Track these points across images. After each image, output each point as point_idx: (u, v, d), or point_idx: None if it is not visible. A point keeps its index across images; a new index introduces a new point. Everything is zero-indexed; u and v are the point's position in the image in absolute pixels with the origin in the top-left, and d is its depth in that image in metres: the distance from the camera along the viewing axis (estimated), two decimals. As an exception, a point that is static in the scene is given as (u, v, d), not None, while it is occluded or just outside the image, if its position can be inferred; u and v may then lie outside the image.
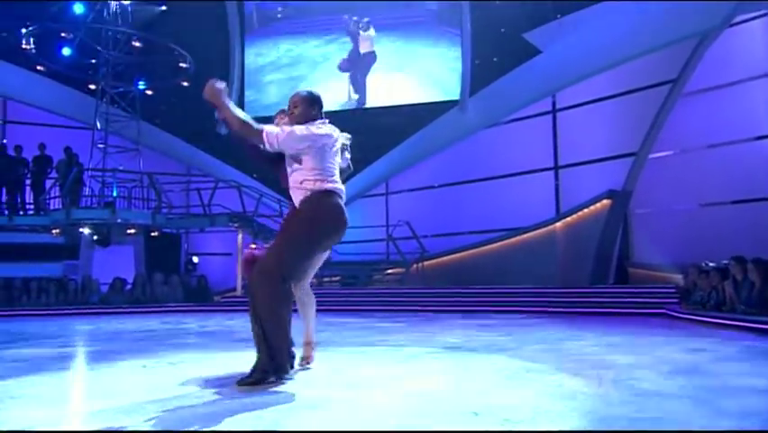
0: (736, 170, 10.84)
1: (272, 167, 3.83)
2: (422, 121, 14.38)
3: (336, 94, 15.97)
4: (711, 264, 8.81)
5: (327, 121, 3.49)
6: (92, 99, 14.41)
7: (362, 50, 15.70)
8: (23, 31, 13.67)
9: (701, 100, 11.37)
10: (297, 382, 3.25)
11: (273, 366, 3.13)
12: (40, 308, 10.72)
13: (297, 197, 3.39)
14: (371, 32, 15.66)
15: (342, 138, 3.66)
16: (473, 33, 14.36)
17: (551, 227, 12.31)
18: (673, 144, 11.79)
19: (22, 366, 4.21)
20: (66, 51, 15.17)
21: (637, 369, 3.71)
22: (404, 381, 3.44)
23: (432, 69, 15.07)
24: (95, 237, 12.39)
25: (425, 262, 13.46)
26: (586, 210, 11.78)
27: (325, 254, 3.81)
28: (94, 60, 14.71)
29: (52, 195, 13.16)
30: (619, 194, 11.61)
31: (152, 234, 13.46)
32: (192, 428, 2.31)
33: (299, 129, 3.31)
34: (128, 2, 15.30)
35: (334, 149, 3.43)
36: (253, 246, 3.78)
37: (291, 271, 3.22)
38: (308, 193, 3.30)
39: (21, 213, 13.29)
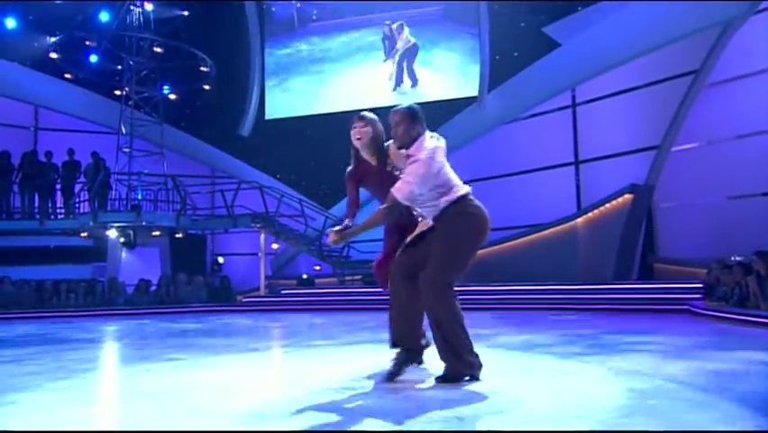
0: (765, 161, 10.53)
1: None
2: (441, 118, 14.32)
3: (357, 94, 16.05)
4: (738, 259, 8.60)
5: (434, 134, 3.41)
6: (118, 105, 14.77)
7: (402, 46, 15.83)
8: (50, 40, 14.10)
9: (727, 90, 11.08)
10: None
11: (462, 365, 3.20)
12: (69, 309, 11.03)
13: (431, 213, 3.35)
14: (406, 30, 15.81)
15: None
16: (491, 29, 14.26)
17: (572, 223, 12.14)
18: (699, 136, 11.52)
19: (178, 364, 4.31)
20: (93, 59, 15.65)
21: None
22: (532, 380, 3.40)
23: (450, 65, 15.02)
24: (121, 240, 12.71)
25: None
26: (608, 205, 11.59)
27: None
28: (119, 67, 15.09)
29: (81, 199, 13.55)
30: (642, 188, 11.39)
31: (177, 235, 13.73)
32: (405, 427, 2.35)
33: (425, 163, 3.19)
34: (150, 8, 15.66)
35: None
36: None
37: (454, 278, 3.31)
38: (445, 205, 3.29)
39: (51, 217, 13.71)
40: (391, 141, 3.54)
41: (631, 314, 8.89)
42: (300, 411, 2.62)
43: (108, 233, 12.87)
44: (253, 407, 2.75)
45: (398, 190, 3.20)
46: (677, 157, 11.65)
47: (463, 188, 3.36)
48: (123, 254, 13.37)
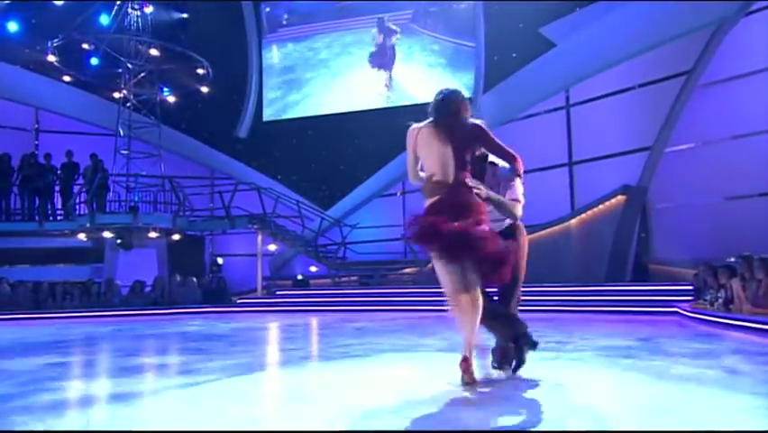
0: (762, 162, 10.47)
1: None
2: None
3: (353, 94, 16.13)
4: (732, 260, 8.56)
5: None
6: (117, 107, 14.89)
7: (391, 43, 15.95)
8: (48, 44, 14.26)
9: (723, 90, 11.02)
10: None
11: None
12: (65, 310, 11.15)
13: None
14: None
15: None
16: (487, 30, 14.27)
17: (566, 224, 12.13)
18: (695, 137, 11.47)
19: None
20: (94, 61, 15.82)
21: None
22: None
23: (444, 65, 15.05)
24: (118, 241, 12.83)
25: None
26: (601, 206, 11.58)
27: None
28: (120, 70, 15.21)
29: (79, 200, 13.69)
30: (634, 189, 11.37)
31: (174, 236, 13.84)
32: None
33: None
34: (150, 11, 15.80)
35: None
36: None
37: None
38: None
39: (50, 218, 13.86)
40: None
41: (619, 315, 8.91)
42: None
43: (105, 234, 12.99)
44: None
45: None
46: (672, 158, 11.60)
47: None
48: (121, 256, 13.49)
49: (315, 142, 16.22)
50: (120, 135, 14.37)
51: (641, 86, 11.45)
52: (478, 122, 3.58)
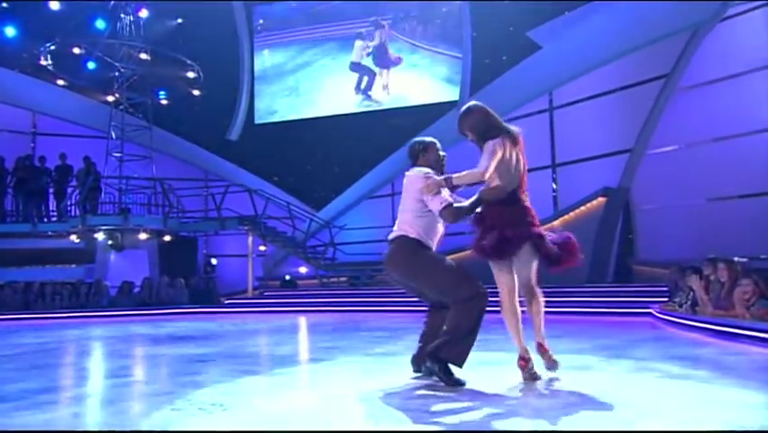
0: (743, 164, 10.57)
1: None
2: (421, 123, 14.50)
3: (343, 96, 16.30)
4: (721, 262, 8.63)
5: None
6: (115, 110, 15.12)
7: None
8: (42, 48, 14.52)
9: (705, 93, 11.11)
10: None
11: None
12: (53, 311, 11.36)
13: None
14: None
15: None
16: (474, 32, 14.40)
17: (548, 226, 11.98)
18: (678, 139, 11.56)
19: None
20: (90, 65, 16.10)
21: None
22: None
23: (430, 69, 15.20)
24: (109, 242, 13.05)
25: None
26: (582, 208, 11.69)
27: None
28: (117, 74, 15.44)
29: (72, 202, 13.92)
30: (615, 191, 11.48)
31: (165, 238, 14.04)
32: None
33: None
34: (145, 15, 16.05)
35: None
36: None
37: None
38: None
39: (44, 220, 14.11)
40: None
41: (594, 317, 9.01)
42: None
43: (96, 235, 13.22)
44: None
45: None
46: (657, 159, 11.70)
47: None
48: (112, 257, 13.72)
49: (307, 144, 16.39)
50: (112, 138, 14.60)
51: (622, 88, 11.56)
52: None
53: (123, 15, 15.44)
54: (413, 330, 6.86)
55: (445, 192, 3.69)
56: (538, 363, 3.61)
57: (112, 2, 15.19)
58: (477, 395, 3.13)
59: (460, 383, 3.35)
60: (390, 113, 15.51)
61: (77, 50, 14.84)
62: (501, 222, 3.54)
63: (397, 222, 3.72)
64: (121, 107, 14.99)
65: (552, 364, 3.67)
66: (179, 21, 17.21)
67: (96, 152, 14.70)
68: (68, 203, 13.94)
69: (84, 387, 3.87)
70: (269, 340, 7.04)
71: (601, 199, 11.43)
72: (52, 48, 15.35)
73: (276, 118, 17.30)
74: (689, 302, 7.64)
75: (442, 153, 4.01)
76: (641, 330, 7.14)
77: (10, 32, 16.72)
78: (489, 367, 4.02)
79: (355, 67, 16.42)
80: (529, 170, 12.89)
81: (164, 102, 16.51)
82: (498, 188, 3.62)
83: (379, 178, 15.52)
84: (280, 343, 6.61)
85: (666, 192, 11.70)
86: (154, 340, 6.96)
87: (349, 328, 8.08)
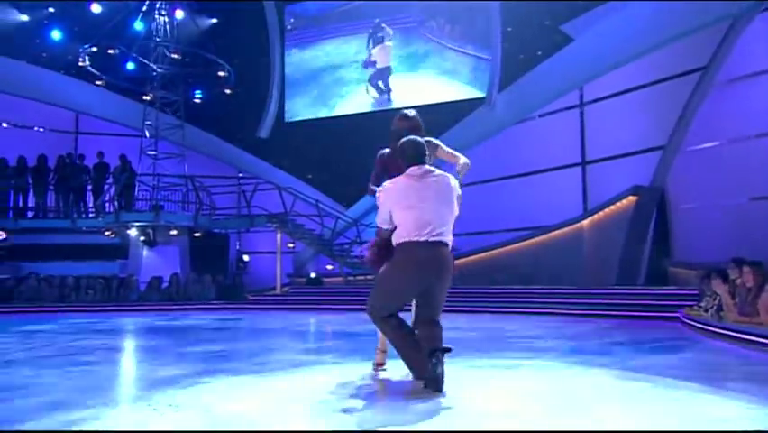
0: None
1: None
2: (448, 121, 14.31)
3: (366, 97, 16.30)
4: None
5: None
6: (148, 109, 15.54)
7: (380, 63, 16.10)
8: (81, 50, 15.07)
9: (746, 86, 10.50)
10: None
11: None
12: (85, 304, 11.76)
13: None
14: (389, 44, 15.96)
15: None
16: (504, 28, 14.08)
17: (578, 225, 11.87)
18: (718, 135, 10.98)
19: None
20: (130, 66, 16.64)
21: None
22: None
23: (458, 66, 14.97)
24: (141, 238, 13.42)
25: (457, 261, 13.38)
26: (612, 207, 11.26)
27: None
28: (154, 74, 15.86)
29: (108, 199, 14.40)
30: (646, 190, 11.00)
31: (196, 234, 14.33)
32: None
33: None
34: (181, 16, 16.44)
35: None
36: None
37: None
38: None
39: (83, 216, 14.65)
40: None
41: (621, 321, 8.66)
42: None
43: (129, 232, 13.61)
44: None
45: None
46: (695, 156, 11.15)
47: None
48: (145, 252, 14.11)
49: (336, 141, 16.42)
50: (146, 137, 15.01)
51: (655, 82, 11.06)
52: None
53: (158, 17, 15.83)
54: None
55: None
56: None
57: (147, 2, 15.58)
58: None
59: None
60: (419, 109, 15.36)
61: (114, 51, 15.29)
62: None
63: (435, 225, 3.48)
64: (156, 106, 15.38)
65: None
66: (213, 21, 17.55)
67: (132, 149, 15.15)
68: (104, 199, 14.42)
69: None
70: (261, 338, 6.97)
71: (632, 198, 10.98)
72: (93, 49, 15.90)
73: (305, 116, 17.41)
74: (714, 307, 7.26)
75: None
76: (660, 335, 6.81)
77: (56, 35, 17.45)
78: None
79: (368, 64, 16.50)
80: (558, 168, 12.65)
81: (197, 100, 16.86)
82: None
83: (407, 175, 15.41)
84: (272, 340, 6.58)
85: (705, 191, 11.14)
86: (155, 333, 7.09)
87: (359, 329, 8.01)
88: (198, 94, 17.45)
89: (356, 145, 16.69)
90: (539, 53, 13.50)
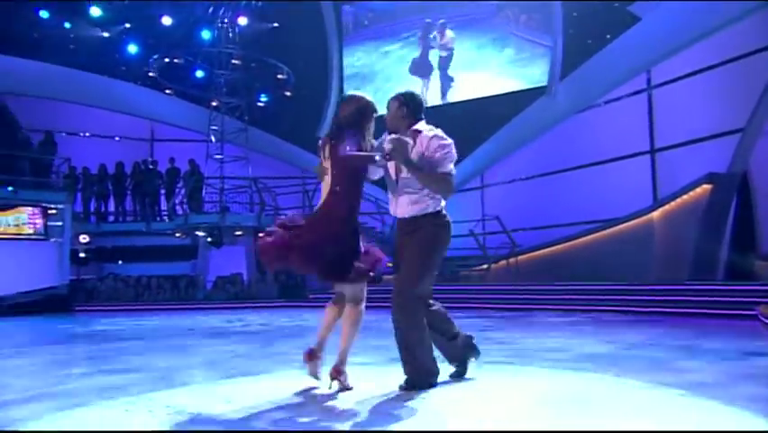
0: None
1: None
2: (507, 112, 13.92)
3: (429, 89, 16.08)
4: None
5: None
6: (216, 114, 16.16)
7: (441, 53, 15.84)
8: (151, 60, 15.89)
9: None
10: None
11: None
12: (161, 302, 12.39)
13: (417, 208, 3.30)
14: (449, 34, 15.66)
15: None
16: (565, 12, 13.47)
17: (647, 217, 11.14)
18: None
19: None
20: (199, 74, 17.44)
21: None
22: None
23: (515, 56, 14.48)
24: (208, 239, 13.97)
25: (519, 257, 12.99)
26: (685, 197, 10.48)
27: None
28: (221, 80, 16.48)
29: (178, 202, 15.11)
30: (723, 177, 10.14)
31: (260, 234, 14.72)
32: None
33: (450, 147, 3.36)
34: (244, 22, 16.98)
35: None
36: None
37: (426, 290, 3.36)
38: (433, 210, 3.32)
39: (157, 219, 15.48)
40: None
41: (693, 319, 8.04)
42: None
43: (198, 233, 14.21)
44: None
45: (447, 164, 3.30)
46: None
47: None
48: (212, 253, 14.68)
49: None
50: (212, 141, 15.61)
51: (731, 60, 10.17)
52: None
53: (221, 25, 16.41)
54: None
55: None
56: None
57: (211, 10, 16.18)
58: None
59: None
60: (477, 103, 15.02)
61: (179, 61, 16.02)
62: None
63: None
64: (221, 111, 15.97)
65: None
66: (275, 25, 17.97)
67: (200, 154, 15.81)
68: (175, 203, 15.15)
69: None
70: (294, 338, 6.72)
71: (706, 186, 10.17)
72: (165, 60, 16.74)
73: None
74: (798, 305, 6.57)
75: None
76: (726, 334, 6.22)
77: (132, 49, 18.52)
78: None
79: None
80: (625, 157, 11.91)
81: (260, 104, 17.34)
82: None
83: (467, 170, 15.12)
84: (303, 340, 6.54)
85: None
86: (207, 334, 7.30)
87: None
88: (264, 97, 17.96)
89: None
90: (608, 36, 12.79)
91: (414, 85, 16.40)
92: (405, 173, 3.30)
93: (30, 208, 13.90)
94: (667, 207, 10.79)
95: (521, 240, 12.94)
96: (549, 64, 13.51)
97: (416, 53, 16.69)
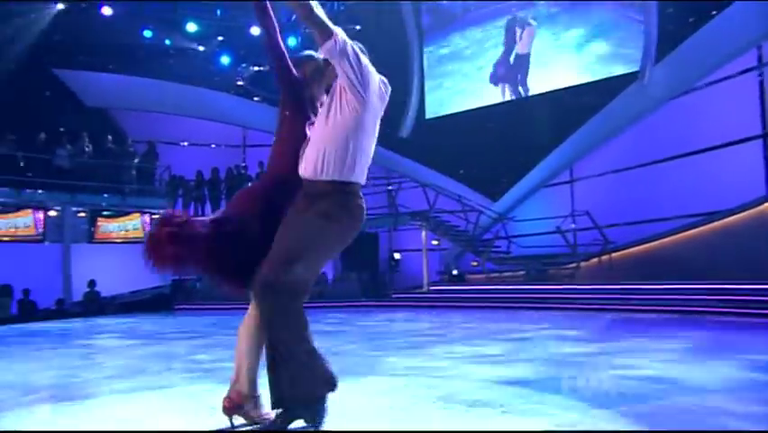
0: None
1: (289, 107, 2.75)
2: (594, 103, 13.11)
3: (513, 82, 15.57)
4: None
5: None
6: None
7: (520, 50, 15.21)
8: (240, 69, 16.63)
9: None
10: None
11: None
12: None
13: (314, 167, 2.50)
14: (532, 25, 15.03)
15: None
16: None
17: (761, 208, 10.02)
18: None
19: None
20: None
21: None
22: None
23: (603, 41, 13.60)
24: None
25: (613, 255, 12.20)
26: (804, 186, 9.31)
27: None
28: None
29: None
30: None
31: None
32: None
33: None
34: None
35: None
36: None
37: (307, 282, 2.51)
38: (333, 169, 2.47)
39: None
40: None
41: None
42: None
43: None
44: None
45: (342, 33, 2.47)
46: None
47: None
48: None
49: (480, 134, 15.99)
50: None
51: None
52: None
53: (305, 30, 16.84)
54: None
55: None
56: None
57: (294, 16, 16.63)
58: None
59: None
60: (564, 93, 14.31)
61: (264, 68, 16.61)
62: None
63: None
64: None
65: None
66: (357, 28, 18.15)
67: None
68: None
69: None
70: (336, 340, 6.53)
71: (831, 173, 8.97)
72: (252, 68, 17.48)
73: (446, 111, 17.22)
74: None
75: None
76: None
77: (225, 60, 19.53)
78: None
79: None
80: (732, 144, 10.86)
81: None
82: None
83: (554, 164, 14.44)
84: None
85: None
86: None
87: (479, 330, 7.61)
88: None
89: (499, 136, 16.12)
90: (713, 13, 11.67)
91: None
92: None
93: (138, 214, 15.05)
94: (784, 196, 9.65)
95: (614, 236, 12.13)
96: (642, 47, 12.54)
97: (497, 50, 16.21)
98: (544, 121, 14.47)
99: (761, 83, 10.44)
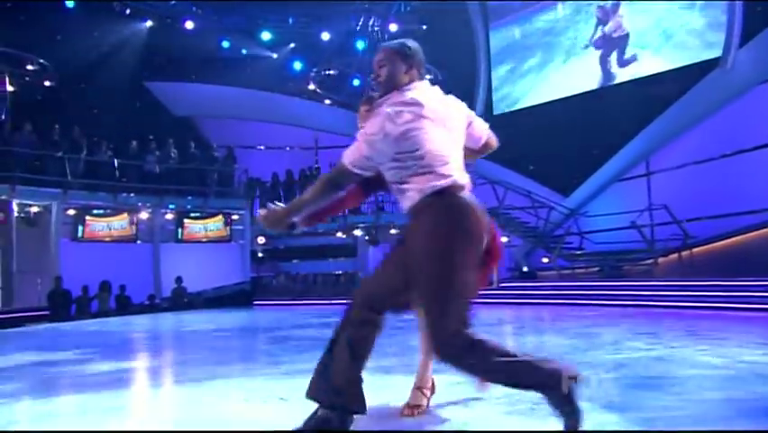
0: None
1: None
2: (676, 90, 12.58)
3: (583, 74, 15.19)
4: None
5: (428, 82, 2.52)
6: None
7: (613, 33, 14.74)
8: (312, 73, 17.23)
9: None
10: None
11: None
12: (324, 297, 13.39)
13: (407, 200, 2.40)
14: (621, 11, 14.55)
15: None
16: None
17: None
18: None
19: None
20: (356, 82, 18.60)
21: None
22: None
23: (684, 26, 13.00)
24: (366, 237, 14.75)
25: (694, 250, 11.68)
26: None
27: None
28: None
29: (339, 204, 16.19)
30: None
31: (413, 231, 15.18)
32: None
33: (383, 118, 2.32)
34: (395, 29, 17.68)
35: (449, 123, 2.44)
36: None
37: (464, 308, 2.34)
38: (429, 192, 2.31)
39: (322, 220, 16.76)
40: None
41: None
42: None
43: (355, 232, 15.08)
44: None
45: (345, 152, 2.45)
46: None
47: (457, 177, 2.34)
48: (370, 250, 15.46)
49: (550, 128, 15.70)
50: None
51: None
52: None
53: (373, 33, 17.23)
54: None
55: None
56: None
57: (362, 20, 17.07)
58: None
59: None
60: (638, 83, 13.83)
61: (333, 72, 17.13)
62: None
63: (457, 166, 2.41)
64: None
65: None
66: (424, 27, 18.32)
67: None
68: (338, 204, 16.23)
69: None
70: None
71: None
72: (322, 72, 18.07)
73: (516, 106, 17.04)
74: None
75: None
76: None
77: (297, 65, 20.29)
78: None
79: (598, 42, 15.17)
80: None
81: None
82: None
83: (629, 157, 13.99)
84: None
85: None
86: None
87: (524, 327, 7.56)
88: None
89: (570, 130, 15.74)
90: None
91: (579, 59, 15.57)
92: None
93: (221, 216, 15.97)
94: None
95: (695, 231, 11.61)
96: (725, 32, 11.94)
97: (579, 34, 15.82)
98: (621, 112, 14.05)
99: None
